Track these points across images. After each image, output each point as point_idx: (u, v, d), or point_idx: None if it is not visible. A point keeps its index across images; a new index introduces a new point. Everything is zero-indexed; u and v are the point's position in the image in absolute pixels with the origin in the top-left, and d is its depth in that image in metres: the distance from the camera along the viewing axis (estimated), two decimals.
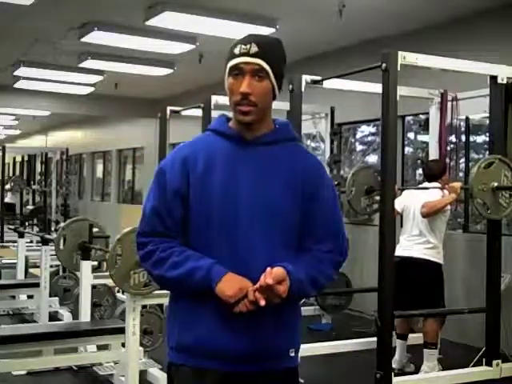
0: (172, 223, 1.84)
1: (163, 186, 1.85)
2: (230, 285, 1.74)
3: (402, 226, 5.03)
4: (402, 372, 4.92)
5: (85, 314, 5.26)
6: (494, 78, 4.29)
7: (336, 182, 6.37)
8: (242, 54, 1.80)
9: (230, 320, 1.79)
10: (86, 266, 5.34)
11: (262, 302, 1.72)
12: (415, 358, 5.05)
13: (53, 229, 11.18)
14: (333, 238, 1.90)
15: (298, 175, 1.87)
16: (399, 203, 4.97)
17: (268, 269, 1.72)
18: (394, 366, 4.90)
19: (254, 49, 1.79)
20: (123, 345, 4.43)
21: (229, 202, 1.81)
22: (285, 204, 1.84)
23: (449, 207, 4.88)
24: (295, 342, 1.92)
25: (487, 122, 4.52)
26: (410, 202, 4.96)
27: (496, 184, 4.27)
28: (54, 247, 5.85)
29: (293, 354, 1.90)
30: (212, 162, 1.85)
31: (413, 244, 4.85)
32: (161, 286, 1.97)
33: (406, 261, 4.77)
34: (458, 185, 4.74)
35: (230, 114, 1.92)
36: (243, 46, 1.80)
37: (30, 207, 13.30)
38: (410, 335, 5.16)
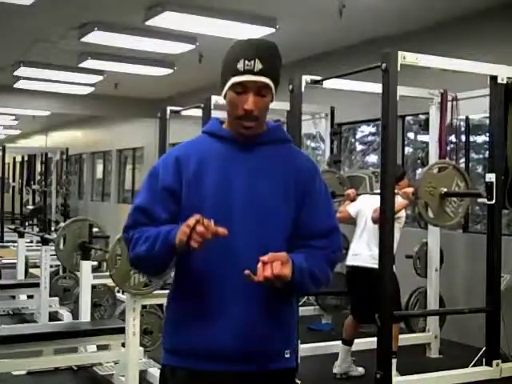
0: (160, 218, 1.83)
1: (155, 185, 1.86)
2: (180, 231, 1.69)
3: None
4: (346, 376, 4.92)
5: (85, 314, 5.26)
6: (493, 78, 4.29)
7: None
8: (246, 72, 1.78)
9: (225, 321, 1.78)
10: (86, 266, 5.35)
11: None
12: (418, 359, 5.05)
13: (53, 229, 11.16)
14: (327, 235, 1.90)
15: (291, 175, 1.88)
16: (354, 207, 4.99)
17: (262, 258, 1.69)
18: (334, 370, 4.92)
19: (259, 66, 1.78)
20: (123, 345, 4.44)
21: (222, 202, 1.82)
22: (278, 204, 1.84)
23: (403, 214, 4.77)
24: (291, 343, 1.91)
25: (487, 121, 4.52)
26: (364, 207, 4.92)
27: (445, 190, 4.22)
28: (53, 247, 5.85)
29: (288, 356, 1.89)
30: (205, 162, 1.85)
31: (361, 252, 4.80)
32: (140, 270, 1.97)
33: (355, 269, 4.79)
34: (410, 190, 4.55)
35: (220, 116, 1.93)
36: (247, 63, 1.77)
37: (30, 207, 13.31)
38: (410, 335, 5.17)
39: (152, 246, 1.78)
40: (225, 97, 1.85)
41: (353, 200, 5.13)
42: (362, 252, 4.79)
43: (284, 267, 1.70)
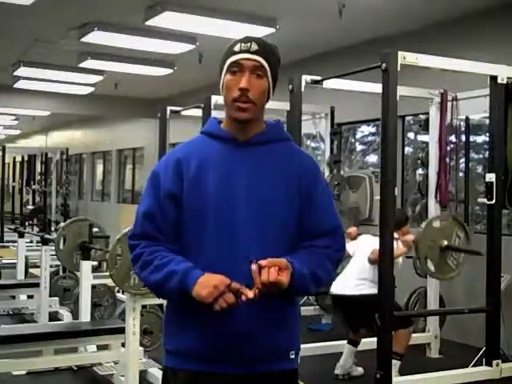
0: (164, 226, 1.83)
1: (157, 189, 1.85)
2: (204, 285, 1.71)
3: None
4: (348, 377, 4.93)
5: (85, 314, 5.26)
6: (494, 78, 4.29)
7: (336, 182, 6.38)
8: (242, 51, 1.81)
9: (227, 322, 1.78)
10: (86, 266, 5.35)
11: (250, 294, 1.69)
12: (418, 359, 5.05)
13: (53, 229, 11.17)
14: (330, 234, 1.90)
15: (293, 174, 1.87)
16: (352, 247, 4.98)
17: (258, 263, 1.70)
18: (336, 372, 4.93)
19: (255, 47, 1.82)
20: (123, 345, 4.44)
21: (224, 203, 1.81)
22: (280, 203, 1.84)
23: (400, 260, 4.78)
24: (295, 344, 1.91)
25: (487, 121, 4.52)
26: (363, 244, 4.93)
27: (446, 243, 4.23)
28: (54, 247, 5.86)
29: (293, 356, 1.89)
30: (206, 163, 1.85)
31: (346, 282, 4.77)
32: (149, 290, 1.97)
33: (341, 299, 4.81)
34: (411, 238, 4.63)
35: (220, 116, 1.93)
36: (243, 44, 1.82)
37: (30, 207, 13.30)
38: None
39: (164, 280, 1.77)
40: (222, 87, 1.85)
41: (353, 239, 5.15)
42: (347, 282, 4.77)
43: (282, 274, 1.71)
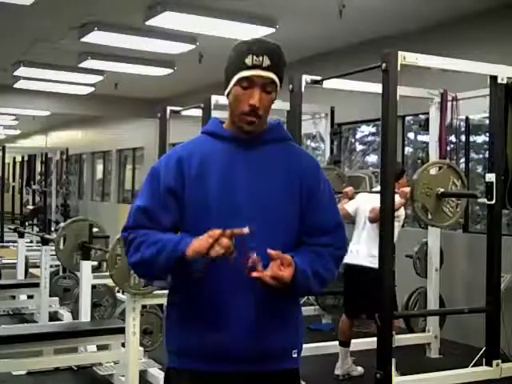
0: (162, 220, 1.82)
1: (156, 186, 1.84)
2: (197, 240, 1.70)
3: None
4: (348, 377, 4.93)
5: (85, 314, 5.26)
6: (494, 78, 4.29)
7: None
8: (254, 67, 1.78)
9: (229, 320, 1.78)
10: (86, 266, 5.34)
11: (246, 230, 1.68)
12: (418, 359, 5.05)
13: (53, 229, 11.18)
14: (331, 232, 1.90)
15: (294, 173, 1.88)
16: (352, 205, 4.98)
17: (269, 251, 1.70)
18: (336, 372, 4.93)
19: (267, 62, 1.79)
20: (123, 345, 4.44)
21: (226, 202, 1.81)
22: (282, 202, 1.84)
23: (402, 212, 4.76)
24: (298, 343, 1.91)
25: (487, 122, 4.52)
26: (363, 205, 4.90)
27: (442, 190, 4.21)
28: (54, 247, 5.85)
29: (295, 355, 1.89)
30: (208, 162, 1.84)
31: (359, 250, 4.78)
32: (139, 274, 1.96)
33: (352, 268, 4.75)
34: (407, 189, 4.55)
35: (220, 116, 1.93)
36: (255, 58, 1.78)
37: (30, 207, 13.31)
38: (410, 335, 5.17)
39: (158, 253, 1.76)
40: (229, 94, 1.84)
41: (351, 198, 5.14)
42: (360, 251, 4.78)
43: (285, 270, 1.71)
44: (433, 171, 4.52)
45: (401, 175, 4.89)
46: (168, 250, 1.74)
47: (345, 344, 4.93)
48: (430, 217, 4.25)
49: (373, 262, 4.48)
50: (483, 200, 4.36)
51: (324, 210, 1.90)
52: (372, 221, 4.64)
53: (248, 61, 1.78)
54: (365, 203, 4.90)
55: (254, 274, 1.69)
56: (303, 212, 1.87)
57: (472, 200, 6.54)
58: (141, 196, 1.87)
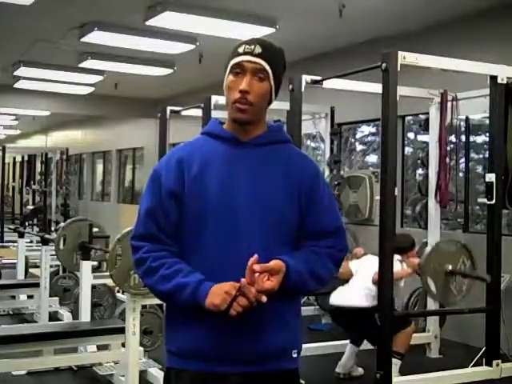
0: (166, 225, 1.83)
1: (158, 188, 1.85)
2: (216, 295, 1.72)
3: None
4: (348, 377, 4.92)
5: (85, 314, 5.26)
6: (493, 78, 4.29)
7: (336, 182, 6.39)
8: (245, 53, 1.82)
9: (229, 322, 1.77)
10: (86, 266, 5.34)
11: (264, 299, 1.71)
12: (418, 359, 5.04)
13: (53, 229, 11.16)
14: (332, 235, 1.90)
15: (294, 175, 1.88)
16: (355, 264, 4.98)
17: (251, 259, 1.71)
18: (338, 370, 4.92)
19: (258, 49, 1.82)
20: (123, 345, 4.44)
21: (226, 203, 1.81)
22: (282, 204, 1.84)
23: (402, 283, 4.81)
24: (297, 343, 1.91)
25: (487, 121, 4.52)
26: (368, 262, 4.87)
27: (450, 267, 4.26)
28: (53, 247, 5.85)
29: (295, 355, 1.89)
30: (207, 163, 1.85)
31: (347, 294, 4.80)
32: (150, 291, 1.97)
33: (342, 310, 4.79)
34: (416, 261, 4.65)
35: (220, 116, 1.93)
36: (247, 46, 1.82)
37: (30, 207, 13.30)
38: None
39: (173, 292, 1.78)
40: (225, 87, 1.86)
41: (358, 258, 5.16)
42: (352, 295, 4.78)
43: (273, 278, 1.72)
44: (444, 247, 4.60)
45: (410, 248, 4.93)
46: (185, 295, 1.76)
47: (355, 342, 4.93)
48: (435, 292, 4.28)
49: (364, 300, 4.63)
50: (483, 200, 4.36)
51: (324, 213, 1.90)
52: (375, 283, 4.55)
53: (240, 49, 1.83)
54: (368, 260, 4.87)
55: (241, 301, 1.71)
56: (303, 214, 1.87)
57: (472, 200, 6.57)
58: (145, 199, 1.88)
